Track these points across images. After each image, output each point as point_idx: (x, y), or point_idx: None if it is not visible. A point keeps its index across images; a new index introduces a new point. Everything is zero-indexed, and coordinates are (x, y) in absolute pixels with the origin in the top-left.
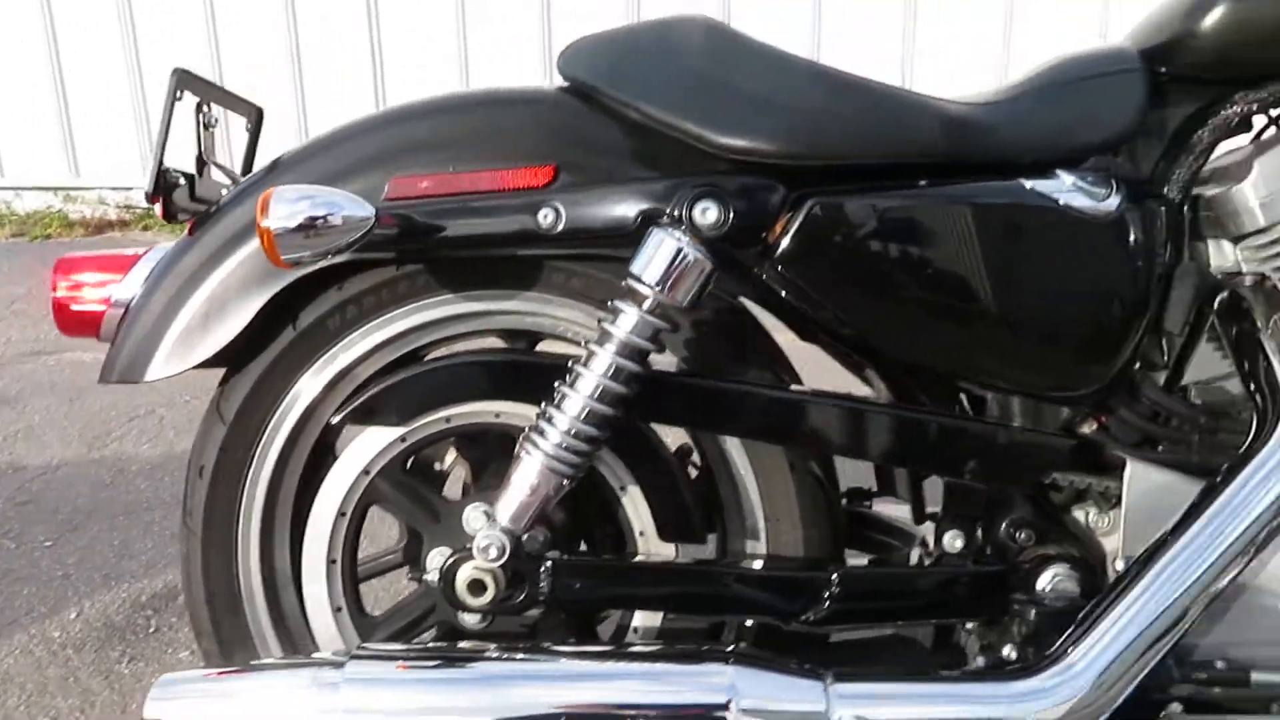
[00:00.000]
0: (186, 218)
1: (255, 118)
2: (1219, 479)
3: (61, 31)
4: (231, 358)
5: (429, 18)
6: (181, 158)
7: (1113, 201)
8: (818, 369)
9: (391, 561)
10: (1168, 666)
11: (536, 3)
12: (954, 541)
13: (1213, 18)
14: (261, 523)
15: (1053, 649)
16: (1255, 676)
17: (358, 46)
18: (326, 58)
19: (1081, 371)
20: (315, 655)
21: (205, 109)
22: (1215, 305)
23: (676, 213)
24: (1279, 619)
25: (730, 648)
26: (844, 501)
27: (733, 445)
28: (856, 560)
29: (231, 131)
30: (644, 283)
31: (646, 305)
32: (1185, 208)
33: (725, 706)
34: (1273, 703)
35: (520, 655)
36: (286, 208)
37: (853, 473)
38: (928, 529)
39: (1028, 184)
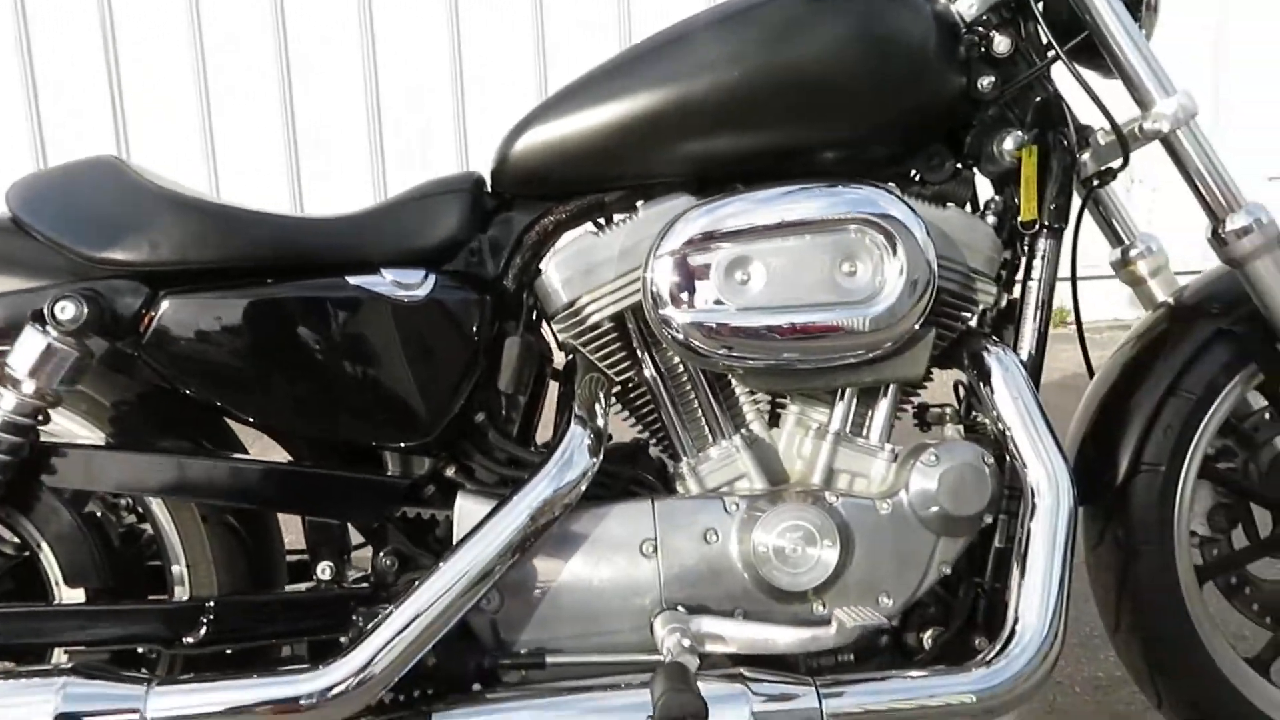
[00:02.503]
0: None
1: None
2: (499, 504)
3: None
4: None
5: None
6: None
7: (422, 291)
8: None
9: None
10: (473, 652)
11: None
12: (324, 571)
13: (507, 149)
14: None
15: (347, 647)
16: (549, 659)
17: None
18: None
19: (408, 425)
20: None
21: None
22: (563, 368)
23: (43, 312)
24: (565, 614)
25: (69, 664)
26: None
27: (154, 502)
28: None
29: None
30: (16, 370)
31: (22, 389)
32: (525, 294)
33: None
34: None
35: None
36: None
37: None
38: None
39: (352, 280)
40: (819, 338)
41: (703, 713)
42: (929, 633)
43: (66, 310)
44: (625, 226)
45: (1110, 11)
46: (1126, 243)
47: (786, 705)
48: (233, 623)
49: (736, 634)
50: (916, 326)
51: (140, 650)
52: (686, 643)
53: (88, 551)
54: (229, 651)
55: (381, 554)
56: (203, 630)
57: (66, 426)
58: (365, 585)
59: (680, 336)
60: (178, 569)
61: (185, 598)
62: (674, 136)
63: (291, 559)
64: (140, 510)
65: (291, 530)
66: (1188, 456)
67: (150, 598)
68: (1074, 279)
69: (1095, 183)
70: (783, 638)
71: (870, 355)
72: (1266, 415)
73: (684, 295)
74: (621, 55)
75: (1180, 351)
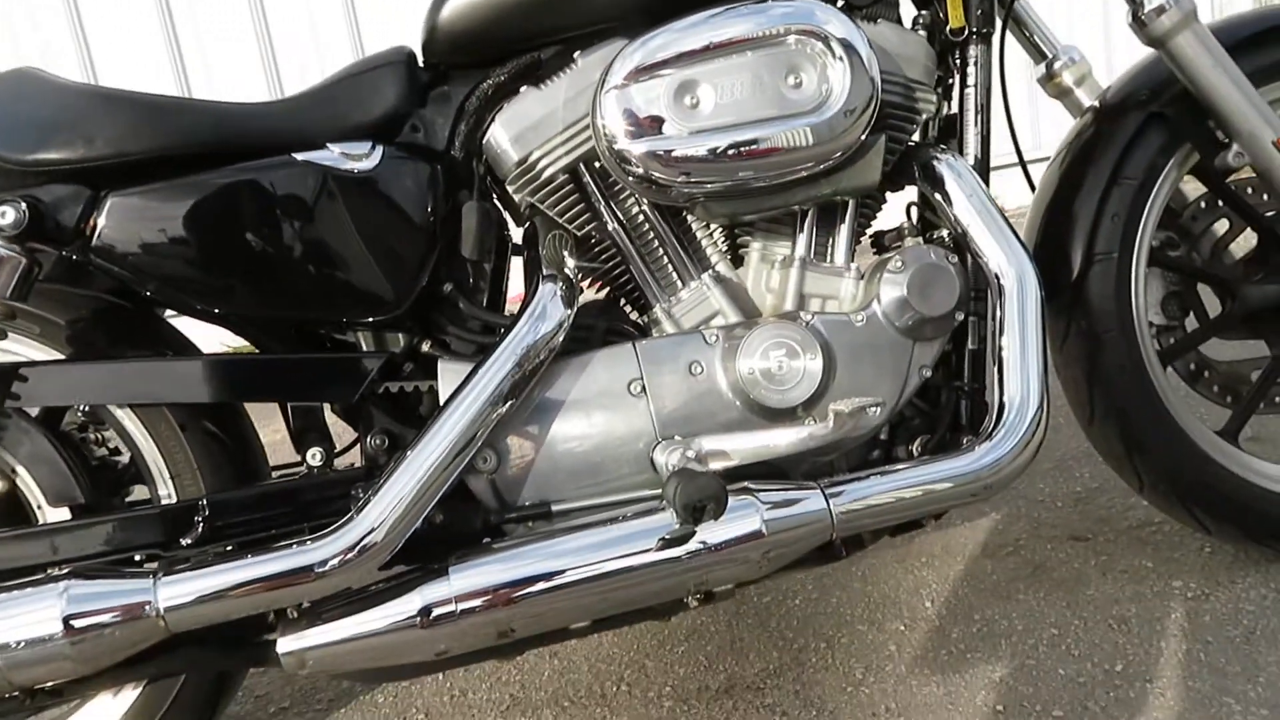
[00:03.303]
0: None
1: None
2: (480, 361)
3: None
4: None
5: None
6: None
7: (370, 161)
8: None
9: None
10: (478, 511)
11: None
12: (314, 456)
13: (435, 17)
14: None
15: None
16: (554, 507)
17: None
18: None
19: (375, 299)
20: None
21: None
22: (523, 236)
23: None
24: (563, 465)
25: (65, 570)
26: None
27: (126, 417)
28: None
29: None
30: None
31: None
32: (474, 162)
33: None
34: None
35: None
36: None
37: None
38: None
39: (299, 156)
40: (773, 152)
41: (721, 494)
42: (917, 442)
43: (7, 215)
44: (566, 77)
45: None
46: (1050, 56)
47: (796, 510)
48: (228, 518)
49: (735, 445)
50: (864, 136)
51: (137, 559)
52: (691, 454)
53: (66, 469)
54: (228, 549)
55: (370, 436)
56: (200, 529)
57: (22, 352)
58: (359, 468)
59: (639, 170)
60: (164, 489)
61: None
62: None
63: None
64: (111, 446)
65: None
66: (1137, 240)
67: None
68: (1004, 90)
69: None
70: (782, 439)
71: (824, 166)
72: (1203, 204)
73: (636, 128)
74: None
75: (1116, 143)
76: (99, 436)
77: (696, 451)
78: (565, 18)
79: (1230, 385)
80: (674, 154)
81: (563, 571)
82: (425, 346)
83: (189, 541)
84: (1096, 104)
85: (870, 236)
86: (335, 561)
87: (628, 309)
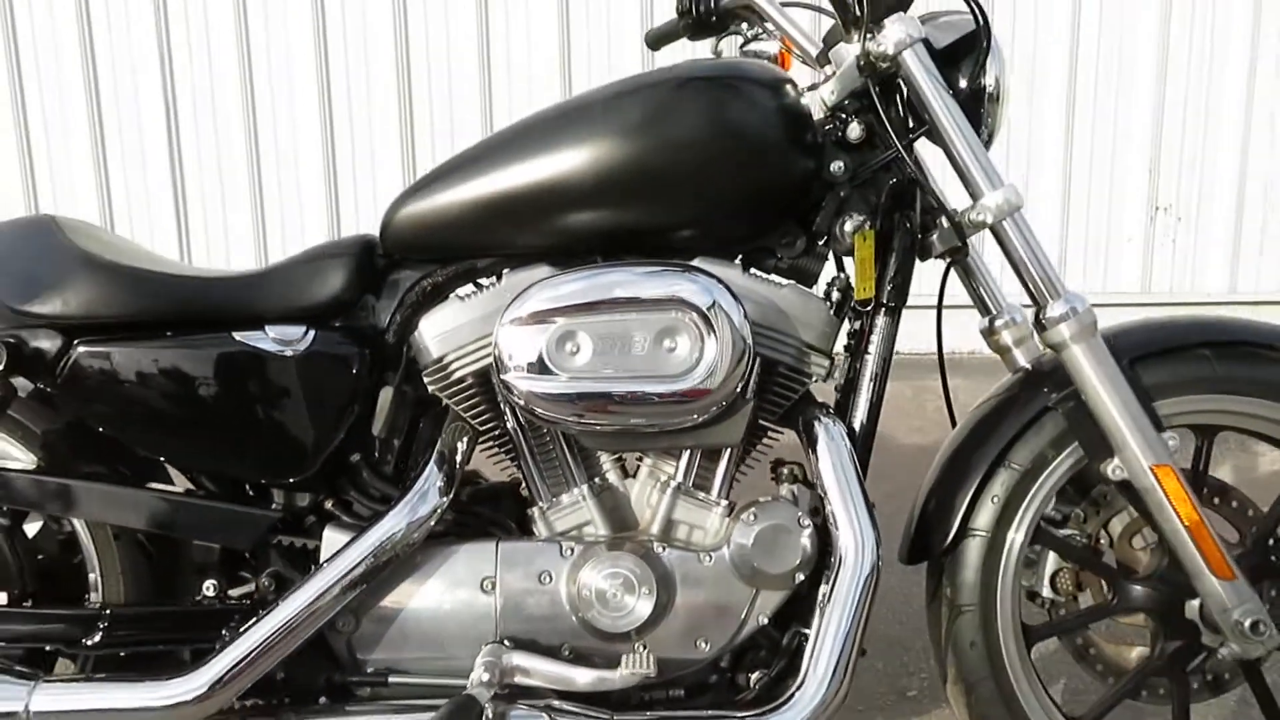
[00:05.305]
0: None
1: None
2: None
3: None
4: None
5: None
6: None
7: (301, 346)
8: None
9: None
10: (325, 668)
11: None
12: (208, 588)
13: (389, 218)
14: None
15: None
16: (394, 679)
17: None
18: None
19: (284, 466)
20: None
21: None
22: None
23: None
24: (412, 640)
25: None
26: None
27: (76, 519)
28: None
29: None
30: None
31: None
32: (405, 347)
33: None
34: (407, 699)
35: None
36: None
37: None
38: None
39: (237, 335)
40: (636, 409)
41: None
42: (754, 675)
43: None
44: (489, 292)
45: (944, 112)
46: (994, 312)
47: None
48: (124, 630)
49: (539, 668)
50: (738, 391)
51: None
52: (486, 676)
53: (10, 559)
54: (124, 654)
55: (264, 575)
56: (99, 635)
57: (4, 449)
58: (246, 603)
59: (520, 402)
60: (93, 576)
61: (99, 602)
62: (535, 216)
63: None
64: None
65: None
66: (1013, 526)
67: (57, 605)
68: (939, 350)
69: (948, 260)
70: (580, 677)
71: (692, 422)
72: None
73: (522, 363)
74: (490, 138)
75: (1015, 423)
76: (58, 529)
77: (504, 668)
78: (496, 240)
79: (1115, 667)
80: (548, 394)
81: None
82: (328, 504)
83: (90, 643)
84: (1028, 368)
85: (771, 462)
86: (179, 702)
87: (524, 490)
